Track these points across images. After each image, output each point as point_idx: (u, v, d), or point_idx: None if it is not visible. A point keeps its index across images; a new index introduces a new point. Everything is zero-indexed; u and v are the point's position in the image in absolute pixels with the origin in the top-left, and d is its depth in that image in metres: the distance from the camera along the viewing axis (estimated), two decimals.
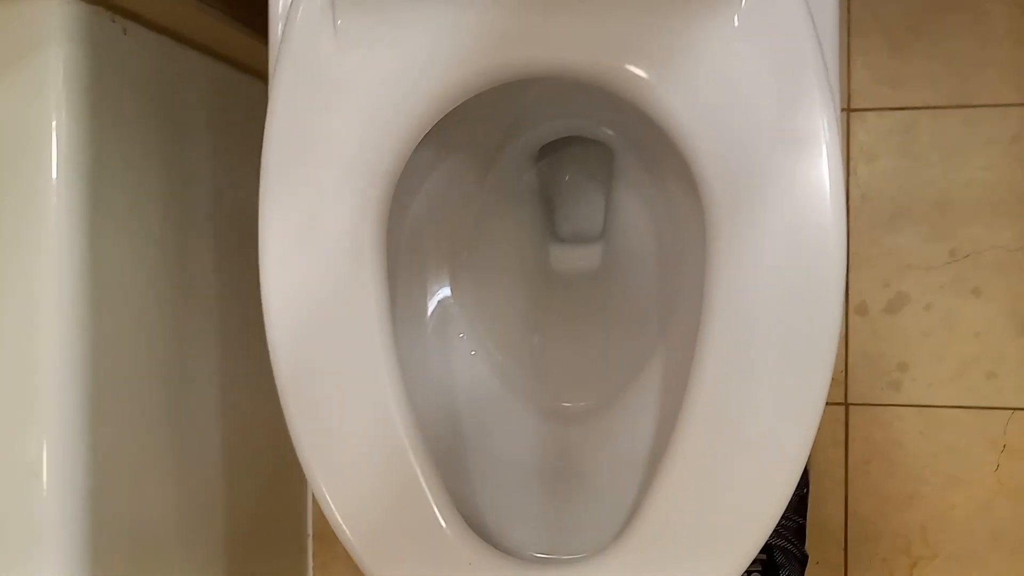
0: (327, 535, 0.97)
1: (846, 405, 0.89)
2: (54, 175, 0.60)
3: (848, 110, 0.89)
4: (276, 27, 0.55)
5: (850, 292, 0.89)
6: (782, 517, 0.66)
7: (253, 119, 0.87)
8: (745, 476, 0.47)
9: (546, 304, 0.71)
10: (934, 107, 0.88)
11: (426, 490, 0.50)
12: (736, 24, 0.48)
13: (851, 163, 0.89)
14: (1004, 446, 0.86)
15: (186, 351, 0.74)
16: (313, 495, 0.81)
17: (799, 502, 0.84)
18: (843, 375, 0.89)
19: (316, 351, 0.51)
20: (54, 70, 0.60)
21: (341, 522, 0.49)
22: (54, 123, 0.60)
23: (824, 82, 0.47)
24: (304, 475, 0.51)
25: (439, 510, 0.49)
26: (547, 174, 0.73)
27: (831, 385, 0.85)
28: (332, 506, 0.49)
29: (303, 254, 0.52)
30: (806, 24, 0.47)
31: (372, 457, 0.50)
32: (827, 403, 0.83)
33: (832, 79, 0.49)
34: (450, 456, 0.61)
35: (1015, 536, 0.87)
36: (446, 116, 0.55)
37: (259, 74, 0.88)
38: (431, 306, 0.66)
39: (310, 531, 0.97)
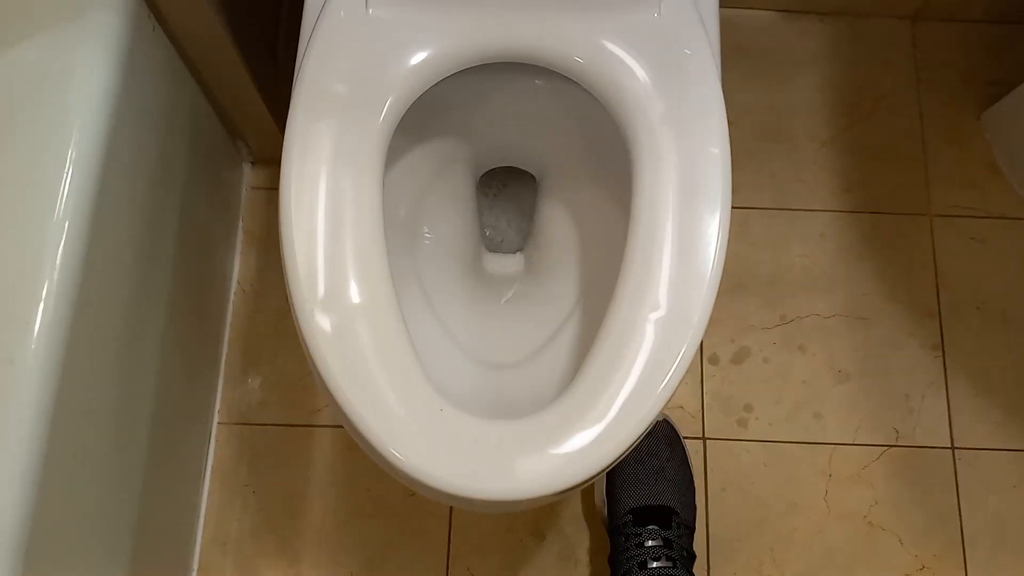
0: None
1: (704, 439, 1.05)
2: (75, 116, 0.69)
3: None
4: (311, 16, 0.71)
5: (704, 346, 1.08)
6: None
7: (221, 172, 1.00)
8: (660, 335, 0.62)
9: (483, 289, 0.85)
10: (762, 208, 1.14)
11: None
12: (656, 17, 0.69)
13: None
14: (830, 475, 1.04)
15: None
16: None
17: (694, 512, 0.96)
18: (700, 414, 1.06)
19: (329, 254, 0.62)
20: (95, 31, 0.72)
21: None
22: (88, 74, 0.71)
23: (716, 74, 0.69)
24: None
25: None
26: (482, 191, 0.89)
27: (691, 421, 1.01)
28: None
29: (320, 167, 0.65)
30: (700, 25, 0.69)
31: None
32: (687, 437, 0.99)
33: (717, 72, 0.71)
34: None
35: (845, 555, 1.02)
36: (424, 119, 0.72)
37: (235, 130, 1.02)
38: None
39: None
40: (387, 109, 0.66)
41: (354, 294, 0.61)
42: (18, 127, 0.68)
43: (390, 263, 0.64)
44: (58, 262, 0.64)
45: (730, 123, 1.15)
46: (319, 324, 0.60)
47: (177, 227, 0.88)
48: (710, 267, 0.64)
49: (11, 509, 0.59)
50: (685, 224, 0.65)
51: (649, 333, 0.62)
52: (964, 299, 1.10)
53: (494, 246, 0.90)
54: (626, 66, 0.68)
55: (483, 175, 0.90)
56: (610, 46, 0.69)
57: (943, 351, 1.08)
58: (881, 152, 1.16)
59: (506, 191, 0.92)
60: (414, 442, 0.58)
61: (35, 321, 0.62)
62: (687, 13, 0.70)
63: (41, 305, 0.62)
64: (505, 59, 0.70)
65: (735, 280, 1.10)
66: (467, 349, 0.78)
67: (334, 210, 0.63)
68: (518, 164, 0.90)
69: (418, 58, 0.68)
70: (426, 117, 0.77)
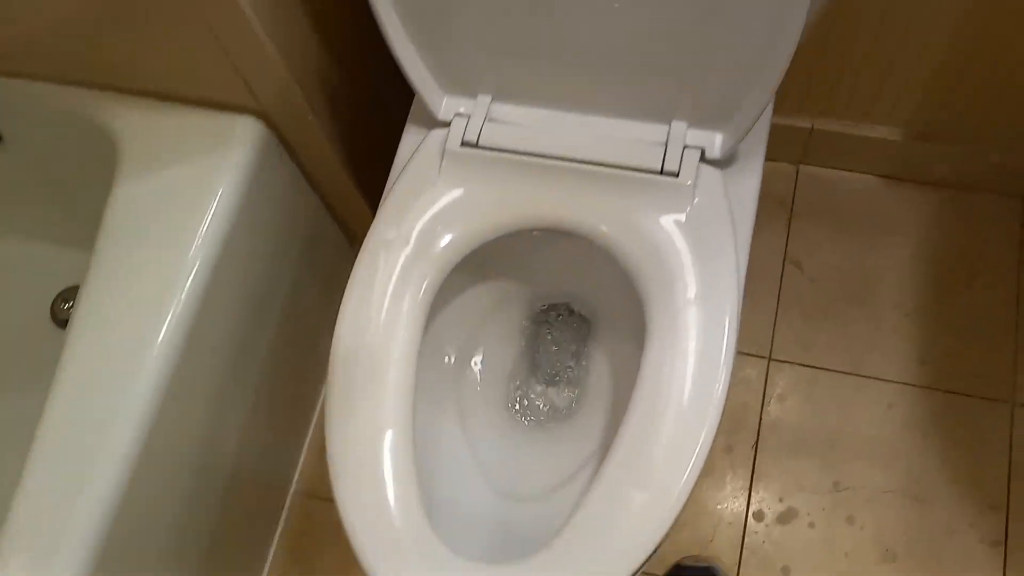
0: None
1: None
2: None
3: (769, 359, 1.16)
4: (398, 166, 0.83)
5: (751, 500, 1.10)
6: None
7: (332, 264, 1.15)
8: (638, 509, 0.67)
9: (520, 419, 0.92)
10: (832, 370, 1.14)
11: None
12: (683, 218, 0.76)
13: (765, 398, 1.14)
14: None
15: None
16: None
17: None
18: (736, 569, 1.07)
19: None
20: (226, 169, 0.87)
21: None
22: (215, 202, 0.86)
23: (735, 278, 0.74)
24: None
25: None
26: (538, 327, 0.98)
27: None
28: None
29: (371, 311, 0.75)
30: (729, 226, 0.75)
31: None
32: None
33: (741, 274, 0.76)
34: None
35: None
36: (483, 260, 0.81)
37: (349, 231, 1.17)
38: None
39: None
40: (426, 284, 0.77)
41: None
42: (162, 228, 0.85)
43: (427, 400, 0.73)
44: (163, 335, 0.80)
45: (813, 280, 1.18)
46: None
47: (287, 305, 1.03)
48: (697, 447, 0.69)
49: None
50: (684, 404, 0.70)
51: (628, 506, 0.67)
52: None
53: (547, 379, 0.97)
54: (651, 245, 0.75)
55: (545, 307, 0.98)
56: (639, 223, 0.76)
57: (1005, 548, 1.04)
58: (968, 331, 1.14)
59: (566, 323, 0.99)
60: None
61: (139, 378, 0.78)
62: (719, 208, 0.76)
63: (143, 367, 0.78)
64: (544, 228, 0.79)
65: (794, 437, 1.11)
66: (490, 476, 0.86)
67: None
68: (573, 304, 0.97)
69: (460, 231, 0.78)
70: (484, 259, 0.86)
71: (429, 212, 0.78)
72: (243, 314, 0.93)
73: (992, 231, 1.19)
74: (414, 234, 0.77)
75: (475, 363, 0.92)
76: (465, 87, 0.82)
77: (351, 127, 0.99)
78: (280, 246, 0.99)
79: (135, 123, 0.90)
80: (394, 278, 0.76)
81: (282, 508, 1.15)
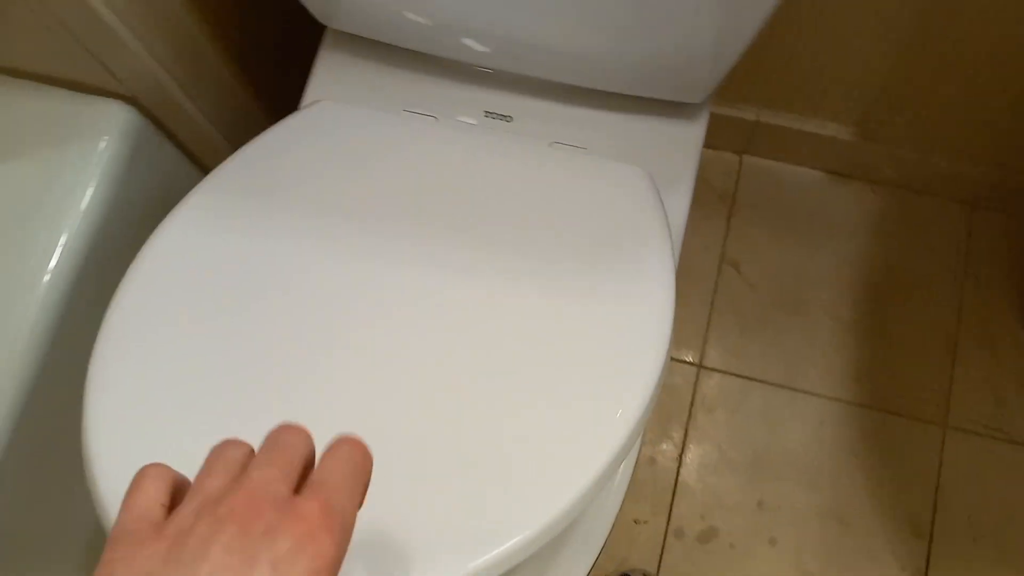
0: None
1: None
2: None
3: (699, 366, 1.09)
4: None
5: (672, 516, 1.04)
6: None
7: None
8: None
9: None
10: (765, 382, 1.08)
11: None
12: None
13: (692, 409, 1.08)
14: None
15: None
16: None
17: None
18: None
19: None
20: (96, 159, 0.76)
21: None
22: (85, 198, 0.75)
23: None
24: None
25: None
26: None
27: None
28: None
29: None
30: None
31: None
32: None
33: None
34: None
35: None
36: None
37: None
38: None
39: None
40: None
41: None
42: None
43: None
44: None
45: (751, 286, 1.11)
46: None
47: None
48: None
49: None
50: None
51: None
52: (961, 526, 1.01)
53: None
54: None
55: None
56: None
57: None
58: (906, 345, 1.09)
59: None
60: None
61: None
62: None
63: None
64: None
65: (720, 452, 1.06)
66: None
67: None
68: None
69: None
70: None
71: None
72: None
73: (937, 238, 1.13)
74: None
75: None
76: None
77: (238, 104, 0.88)
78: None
79: None
80: None
81: None
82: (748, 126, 1.10)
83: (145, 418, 0.52)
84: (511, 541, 0.50)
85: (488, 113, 0.73)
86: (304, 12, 0.74)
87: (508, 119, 0.72)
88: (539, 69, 0.70)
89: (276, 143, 0.66)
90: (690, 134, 0.73)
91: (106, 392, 0.52)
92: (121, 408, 0.52)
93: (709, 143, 1.17)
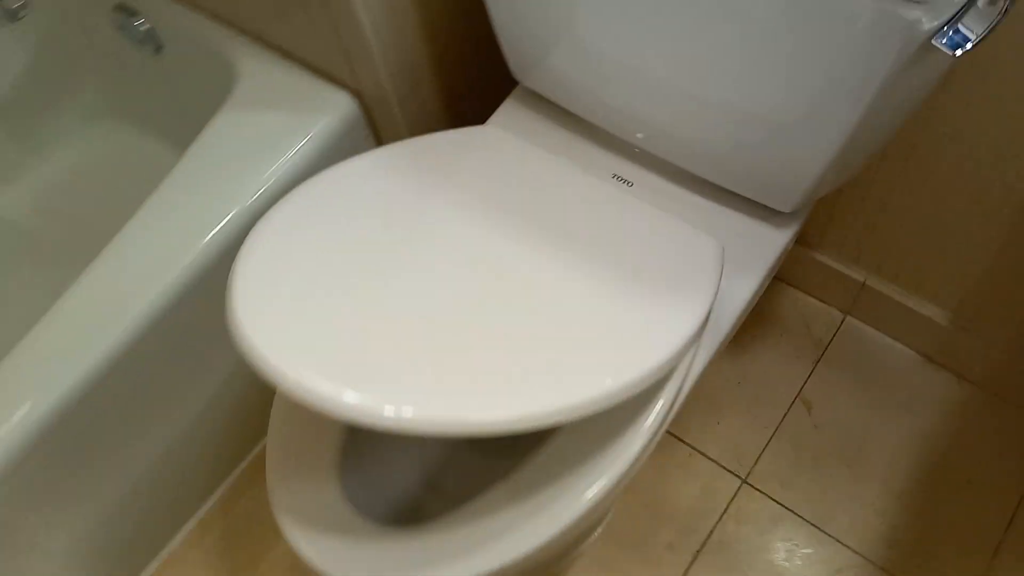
0: None
1: None
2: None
3: (744, 481, 1.17)
4: None
5: None
6: None
7: None
8: None
9: None
10: (798, 515, 1.14)
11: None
12: None
13: (725, 515, 1.15)
14: None
15: None
16: None
17: None
18: None
19: None
20: (317, 128, 1.00)
21: None
22: (296, 154, 0.98)
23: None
24: None
25: None
26: None
27: None
28: None
29: None
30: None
31: None
32: None
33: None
34: None
35: None
36: None
37: None
38: None
39: None
40: None
41: None
42: (241, 156, 0.98)
43: None
44: None
45: (816, 427, 1.19)
46: None
47: None
48: None
49: None
50: None
51: None
52: None
53: None
54: None
55: None
56: None
57: None
58: (947, 532, 1.11)
59: None
60: None
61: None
62: None
63: None
64: None
65: (734, 563, 1.12)
66: None
67: None
68: None
69: None
70: None
71: None
72: None
73: (1008, 447, 1.16)
74: None
75: None
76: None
77: (432, 124, 1.10)
78: None
79: (256, 67, 1.04)
80: None
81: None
82: (855, 287, 1.20)
83: (281, 279, 0.70)
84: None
85: (616, 176, 0.90)
86: (504, 69, 0.95)
87: (630, 184, 0.89)
88: (665, 151, 0.87)
89: (450, 139, 0.86)
90: (774, 238, 0.86)
91: (254, 254, 0.71)
92: (263, 266, 0.70)
93: (819, 296, 1.28)
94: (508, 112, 0.96)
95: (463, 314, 0.69)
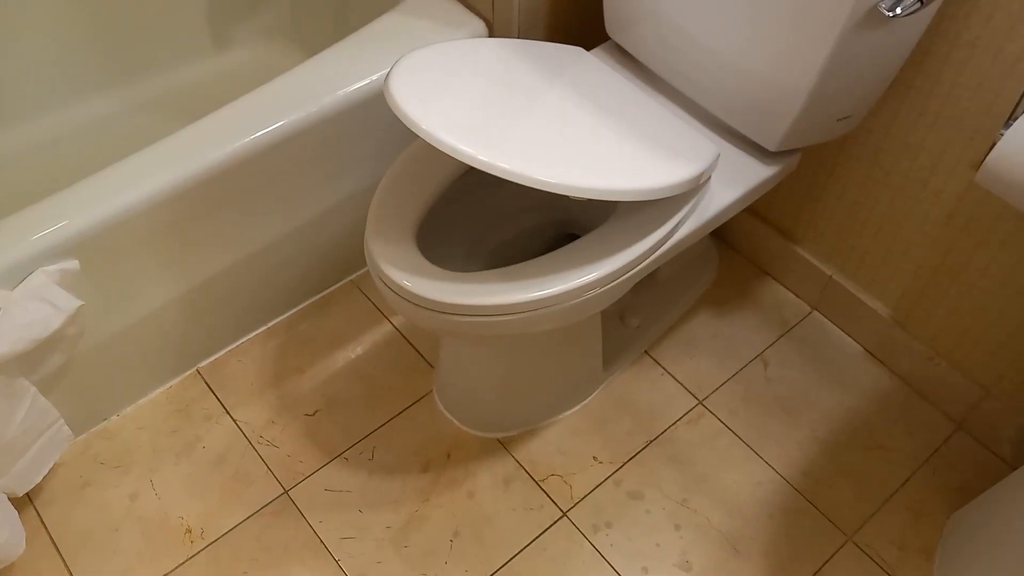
0: None
1: None
2: None
3: (701, 403, 1.44)
4: None
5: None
6: None
7: None
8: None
9: None
10: (738, 435, 1.41)
11: None
12: None
13: (677, 423, 1.42)
14: None
15: None
16: None
17: None
18: None
19: None
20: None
21: None
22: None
23: None
24: None
25: None
26: None
27: None
28: None
29: None
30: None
31: None
32: None
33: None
34: None
35: None
36: None
37: None
38: None
39: None
40: None
41: None
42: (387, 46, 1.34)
43: None
44: None
45: (768, 380, 1.46)
46: None
47: None
48: None
49: None
50: None
51: None
52: None
53: None
54: None
55: None
56: None
57: None
58: (852, 476, 1.37)
59: None
60: None
61: None
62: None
63: None
64: None
65: (680, 462, 1.38)
66: None
67: None
68: None
69: None
70: None
71: None
72: None
73: (916, 431, 1.42)
74: None
75: None
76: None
77: None
78: None
79: None
80: None
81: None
82: (824, 280, 1.50)
83: (432, 79, 1.04)
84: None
85: None
86: (598, 26, 1.31)
87: None
88: (693, 91, 1.21)
89: (559, 47, 1.21)
90: (758, 169, 1.18)
91: (410, 58, 1.06)
92: (418, 68, 1.05)
93: (795, 290, 1.58)
94: (597, 54, 1.32)
95: (557, 133, 1.03)
